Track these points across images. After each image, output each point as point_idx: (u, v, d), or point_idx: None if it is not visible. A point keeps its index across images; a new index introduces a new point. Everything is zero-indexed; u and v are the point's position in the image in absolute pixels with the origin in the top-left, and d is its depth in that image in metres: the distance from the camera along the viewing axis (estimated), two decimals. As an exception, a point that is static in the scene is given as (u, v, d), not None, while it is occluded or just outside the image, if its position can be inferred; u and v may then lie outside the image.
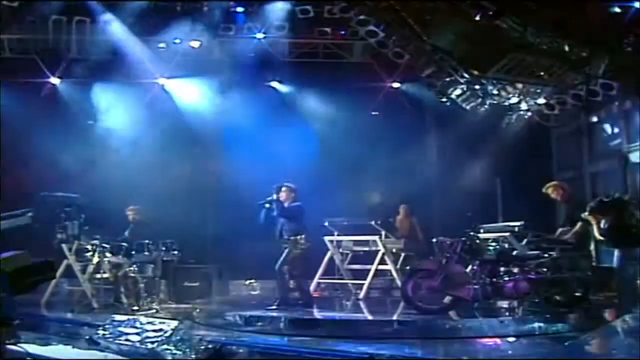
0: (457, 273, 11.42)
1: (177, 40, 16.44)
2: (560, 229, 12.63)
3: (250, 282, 15.91)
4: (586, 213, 11.34)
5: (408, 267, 13.35)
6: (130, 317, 11.33)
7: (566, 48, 13.75)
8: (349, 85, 16.89)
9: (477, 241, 11.73)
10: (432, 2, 13.92)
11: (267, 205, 12.37)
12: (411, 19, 14.20)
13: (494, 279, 11.24)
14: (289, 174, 14.65)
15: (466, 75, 15.58)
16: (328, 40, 17.01)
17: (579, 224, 11.97)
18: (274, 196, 12.46)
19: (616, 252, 10.80)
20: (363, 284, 14.10)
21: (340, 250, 14.81)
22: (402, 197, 15.96)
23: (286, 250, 12.35)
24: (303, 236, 12.38)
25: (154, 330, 9.79)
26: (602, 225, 10.86)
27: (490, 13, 12.98)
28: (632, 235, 10.74)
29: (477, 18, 13.18)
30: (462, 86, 16.41)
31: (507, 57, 13.80)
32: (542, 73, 14.44)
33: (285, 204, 12.48)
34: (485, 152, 17.04)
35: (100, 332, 9.86)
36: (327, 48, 17.22)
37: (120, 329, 9.79)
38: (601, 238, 11.11)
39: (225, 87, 16.51)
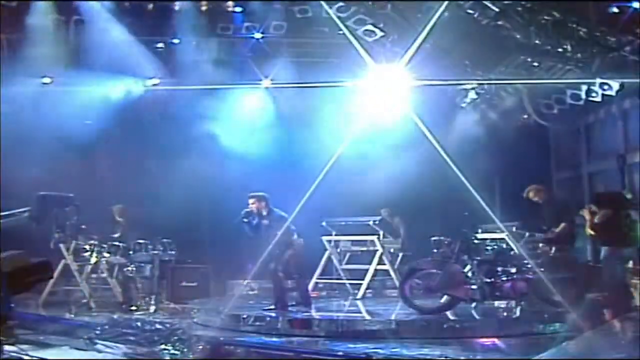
0: (455, 273, 11.41)
1: (176, 41, 16.43)
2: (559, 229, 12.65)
3: (248, 282, 15.89)
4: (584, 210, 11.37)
5: (406, 267, 13.34)
6: (128, 317, 11.38)
7: (568, 47, 13.73)
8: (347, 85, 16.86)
9: (475, 241, 11.73)
10: (433, 2, 13.89)
11: (245, 220, 12.23)
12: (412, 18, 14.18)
13: (492, 279, 11.23)
14: (287, 174, 14.69)
15: (465, 75, 15.59)
16: (326, 40, 16.94)
17: (562, 225, 11.98)
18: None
19: (603, 250, 10.78)
20: (361, 283, 14.10)
21: (338, 250, 14.81)
22: (400, 197, 15.94)
23: (280, 251, 12.30)
24: (295, 237, 12.33)
25: (152, 330, 9.81)
26: (595, 220, 10.84)
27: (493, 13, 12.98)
28: (622, 234, 10.72)
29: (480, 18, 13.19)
30: (461, 86, 16.42)
31: (510, 57, 13.80)
32: (543, 73, 14.44)
33: (264, 213, 12.27)
34: (483, 151, 17.03)
35: (98, 332, 9.88)
36: (325, 48, 17.16)
37: (118, 328, 9.81)
38: (592, 233, 11.10)
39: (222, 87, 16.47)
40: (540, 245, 12.08)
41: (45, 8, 15.26)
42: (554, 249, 11.88)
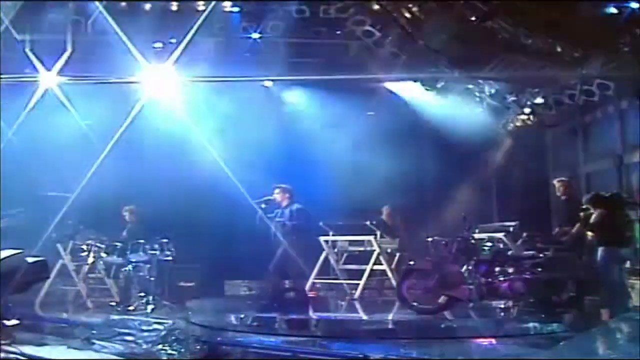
0: (452, 273, 11.43)
1: (173, 40, 16.40)
2: (557, 229, 12.69)
3: (246, 282, 15.90)
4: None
5: (403, 267, 13.34)
6: (125, 317, 11.37)
7: (558, 49, 13.74)
8: (345, 86, 16.86)
9: (472, 241, 11.74)
10: (425, 3, 13.91)
11: (263, 205, 12.36)
12: (404, 19, 14.19)
13: (489, 279, 11.24)
14: (285, 174, 14.68)
15: (463, 76, 15.60)
16: (324, 41, 16.94)
17: (577, 225, 11.98)
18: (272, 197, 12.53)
19: (600, 250, 10.78)
20: (358, 284, 14.10)
21: (335, 250, 14.79)
22: (399, 197, 15.95)
23: (279, 251, 12.34)
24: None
25: (149, 330, 9.81)
26: (592, 220, 10.86)
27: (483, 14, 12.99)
28: (619, 234, 10.73)
29: (471, 18, 13.20)
30: (459, 86, 16.44)
31: (499, 58, 13.82)
32: (535, 73, 14.44)
33: (283, 205, 12.45)
34: (481, 152, 17.05)
35: (95, 332, 9.87)
36: (323, 48, 17.15)
37: (115, 328, 9.80)
38: (590, 233, 11.12)
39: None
40: (538, 245, 12.09)
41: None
42: (552, 249, 11.90)
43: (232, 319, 11.36)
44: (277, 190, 12.54)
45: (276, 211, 12.55)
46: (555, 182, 13.13)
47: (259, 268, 13.34)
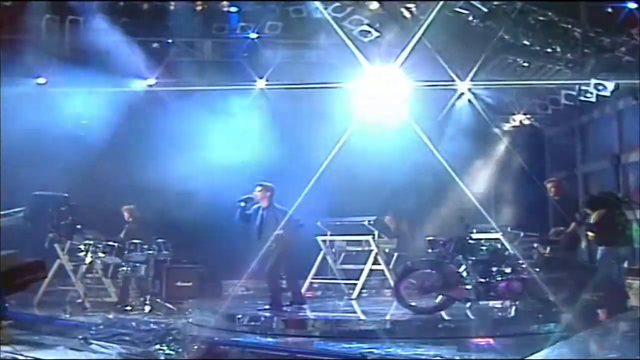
0: (449, 273, 11.42)
1: (170, 41, 16.40)
2: (553, 229, 12.71)
3: (243, 282, 15.88)
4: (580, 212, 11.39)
5: (401, 267, 13.33)
6: (123, 316, 11.37)
7: (558, 49, 13.76)
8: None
9: (470, 241, 11.74)
10: (423, 2, 13.91)
11: (242, 204, 12.28)
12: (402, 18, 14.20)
13: (487, 279, 11.24)
14: (283, 174, 14.67)
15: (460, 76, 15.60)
16: (320, 41, 16.93)
17: (572, 225, 11.99)
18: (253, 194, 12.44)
19: (599, 250, 10.80)
20: (356, 283, 14.10)
21: (333, 250, 14.79)
22: (396, 197, 15.95)
23: (274, 250, 12.29)
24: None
25: (147, 330, 9.82)
26: (591, 221, 10.89)
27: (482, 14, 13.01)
28: (618, 233, 10.75)
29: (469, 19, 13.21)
30: (456, 86, 16.43)
31: (498, 58, 13.83)
32: (533, 74, 14.45)
33: (262, 204, 12.35)
34: (478, 152, 17.04)
35: (93, 331, 9.88)
36: (319, 48, 17.14)
37: (112, 328, 9.82)
38: (590, 234, 11.14)
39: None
40: (536, 245, 12.10)
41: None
42: (548, 248, 11.91)
43: (230, 318, 11.33)
44: (258, 188, 12.40)
45: (255, 207, 12.40)
46: (546, 183, 13.16)
47: (257, 268, 13.30)
